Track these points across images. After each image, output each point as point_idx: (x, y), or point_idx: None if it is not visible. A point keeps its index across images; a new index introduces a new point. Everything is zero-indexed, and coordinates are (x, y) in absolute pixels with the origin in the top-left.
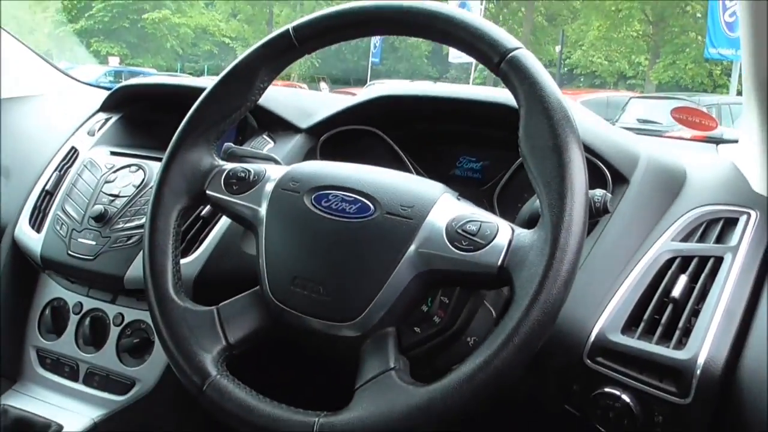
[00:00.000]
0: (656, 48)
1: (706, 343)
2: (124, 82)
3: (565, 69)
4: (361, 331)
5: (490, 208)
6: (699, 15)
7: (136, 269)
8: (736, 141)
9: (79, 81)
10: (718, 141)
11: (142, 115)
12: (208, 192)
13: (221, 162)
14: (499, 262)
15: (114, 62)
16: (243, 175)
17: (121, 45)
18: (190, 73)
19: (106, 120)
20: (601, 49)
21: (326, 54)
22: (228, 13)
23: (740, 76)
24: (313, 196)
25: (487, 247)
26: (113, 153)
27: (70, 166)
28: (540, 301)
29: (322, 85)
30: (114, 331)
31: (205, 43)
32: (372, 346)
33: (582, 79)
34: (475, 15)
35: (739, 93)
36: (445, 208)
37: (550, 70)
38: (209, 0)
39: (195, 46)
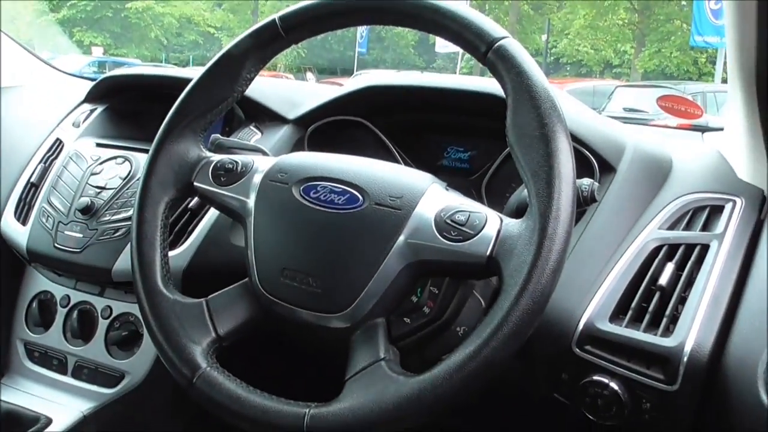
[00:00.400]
0: (642, 36)
1: (692, 331)
2: (110, 73)
3: (552, 58)
4: (351, 322)
5: (478, 198)
6: (684, 3)
7: (123, 262)
8: (721, 129)
9: (62, 71)
10: (703, 129)
11: (127, 106)
12: (195, 183)
13: (208, 153)
14: (488, 252)
15: (97, 52)
16: (231, 166)
17: (104, 35)
18: (175, 64)
19: (91, 111)
20: (587, 37)
21: (312, 44)
22: (213, 3)
23: (725, 64)
24: (301, 188)
25: (476, 237)
26: (99, 144)
27: (56, 158)
28: (529, 290)
29: (309, 75)
30: (102, 324)
31: (189, 33)
32: (362, 337)
33: (568, 68)
34: (461, 4)
35: (725, 81)
36: (433, 198)
37: (536, 59)
38: None
39: (179, 36)
